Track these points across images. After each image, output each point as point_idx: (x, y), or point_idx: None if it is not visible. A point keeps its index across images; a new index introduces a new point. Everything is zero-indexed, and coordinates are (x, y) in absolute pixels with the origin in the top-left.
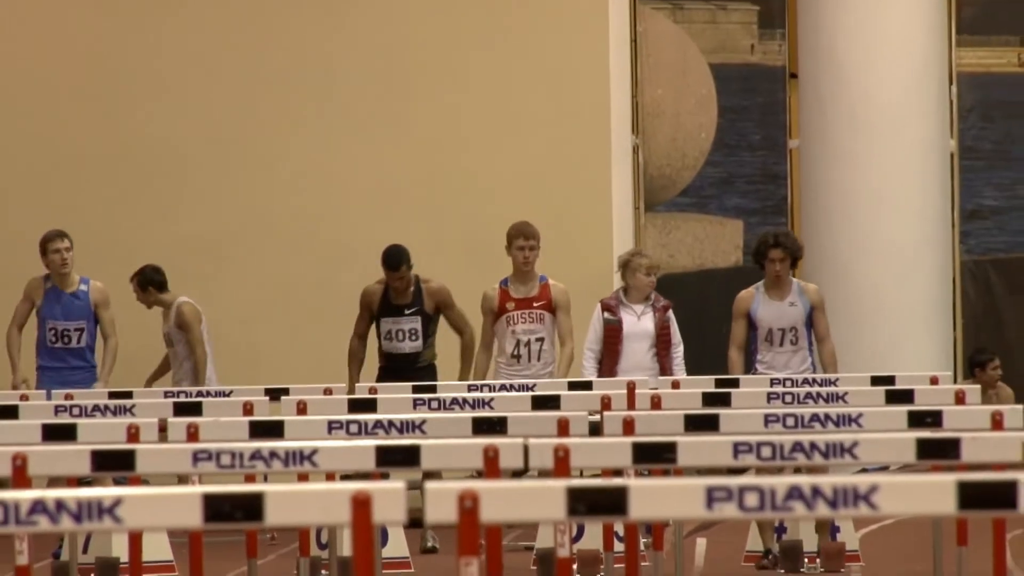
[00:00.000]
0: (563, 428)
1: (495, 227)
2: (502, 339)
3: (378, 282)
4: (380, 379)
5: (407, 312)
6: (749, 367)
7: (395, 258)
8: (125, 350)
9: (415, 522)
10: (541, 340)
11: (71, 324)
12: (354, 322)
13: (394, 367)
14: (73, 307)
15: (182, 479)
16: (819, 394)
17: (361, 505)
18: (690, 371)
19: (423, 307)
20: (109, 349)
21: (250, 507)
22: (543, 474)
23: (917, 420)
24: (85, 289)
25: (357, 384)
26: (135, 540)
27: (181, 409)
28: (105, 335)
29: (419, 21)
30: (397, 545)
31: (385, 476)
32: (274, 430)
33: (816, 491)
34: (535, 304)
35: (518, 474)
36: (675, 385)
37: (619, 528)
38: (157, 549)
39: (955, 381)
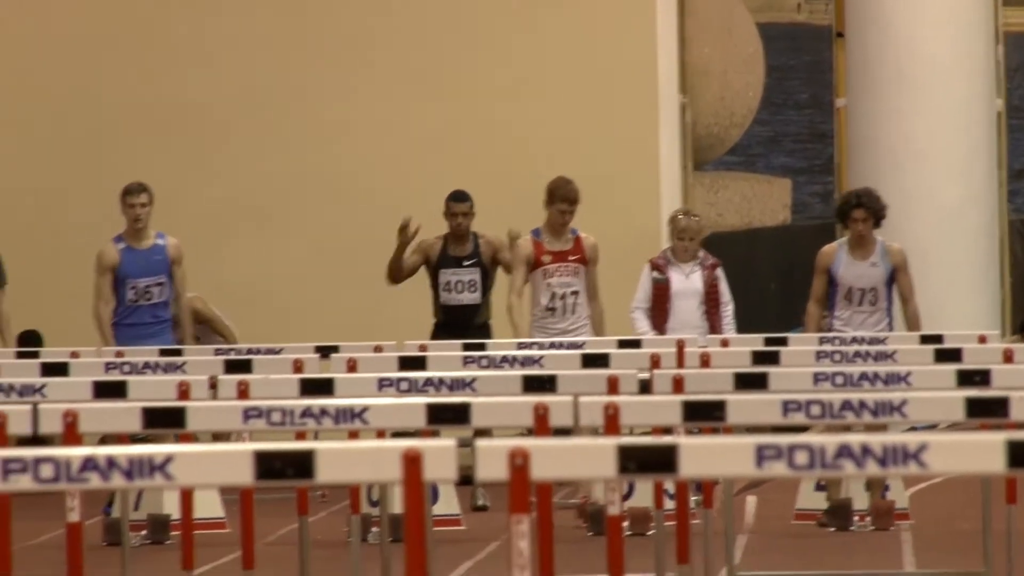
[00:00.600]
0: (613, 386)
1: (541, 186)
2: (537, 291)
3: (437, 237)
4: (435, 336)
5: (466, 263)
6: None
7: (462, 192)
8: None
9: (465, 480)
10: (576, 293)
11: (151, 280)
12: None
13: (452, 321)
14: (152, 263)
15: (227, 437)
16: (868, 352)
17: (412, 462)
18: (739, 330)
19: (481, 258)
20: (184, 307)
21: (301, 464)
22: (593, 432)
23: (965, 379)
24: (162, 244)
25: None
26: (186, 497)
27: (232, 366)
28: (179, 292)
29: None
30: (448, 502)
31: (435, 433)
32: (324, 387)
33: (866, 449)
34: (570, 257)
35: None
36: (724, 343)
37: (669, 486)
38: (208, 506)
39: (1003, 339)
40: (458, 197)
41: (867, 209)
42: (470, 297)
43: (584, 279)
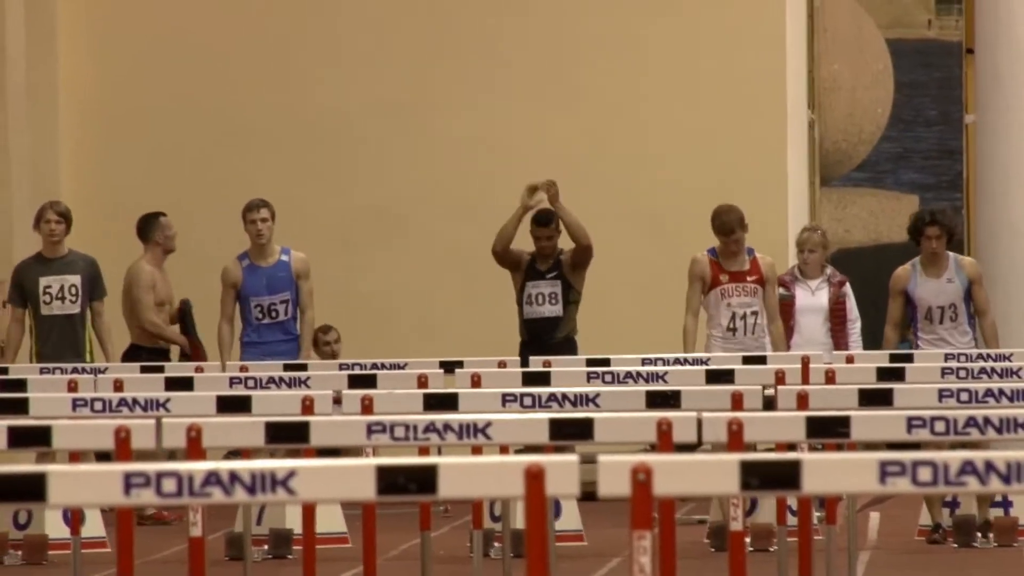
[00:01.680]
0: (737, 402)
1: (667, 199)
2: (716, 312)
3: (531, 252)
4: (521, 355)
5: (548, 276)
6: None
7: (547, 214)
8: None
9: (588, 495)
10: (756, 314)
11: (276, 298)
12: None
13: (534, 336)
14: (276, 280)
15: (355, 452)
16: (993, 369)
17: (534, 478)
18: (867, 346)
19: (562, 271)
20: (307, 322)
21: (424, 479)
22: (716, 448)
23: None
24: (286, 260)
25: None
26: (309, 512)
27: (356, 381)
28: (303, 307)
29: None
30: (570, 518)
31: (559, 450)
32: (448, 403)
33: (990, 466)
34: (749, 278)
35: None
36: (849, 359)
37: (792, 502)
38: (331, 521)
39: None
40: (541, 221)
41: (941, 226)
42: (551, 309)
43: (762, 299)
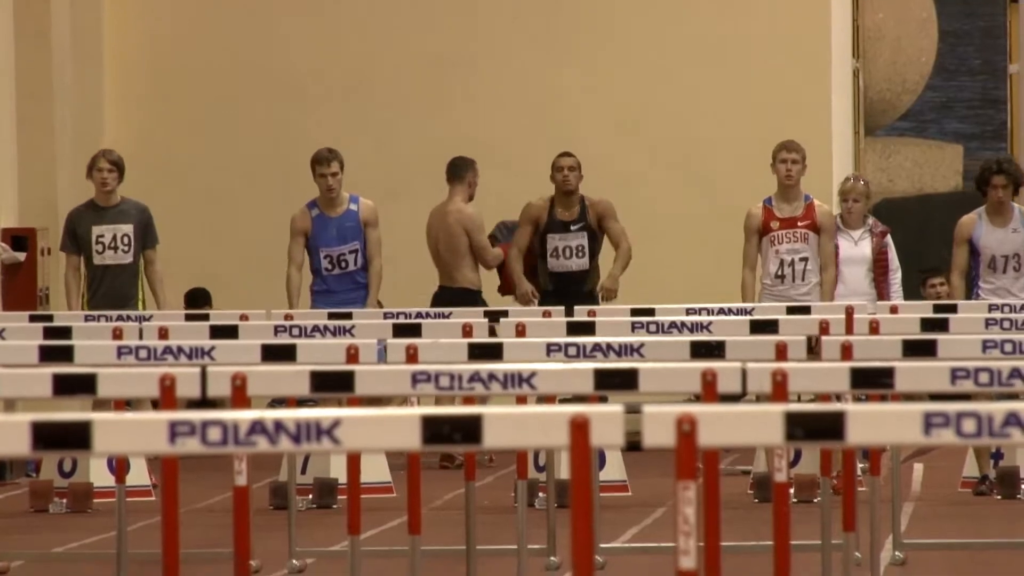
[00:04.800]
0: (781, 352)
1: (712, 150)
2: (765, 258)
3: (543, 199)
4: (544, 302)
5: (573, 228)
6: (970, 292)
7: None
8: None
9: (633, 446)
10: (805, 260)
11: (345, 248)
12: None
13: (560, 289)
14: (345, 230)
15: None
16: None
17: (579, 428)
18: (908, 296)
19: (588, 222)
20: (374, 271)
21: (468, 429)
22: (760, 399)
23: None
24: (355, 209)
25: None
26: (353, 461)
27: (400, 330)
28: (370, 256)
29: None
30: (615, 468)
31: (604, 399)
32: (493, 352)
33: None
34: (800, 224)
35: (736, 398)
36: (893, 310)
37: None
38: (376, 470)
39: None
40: (563, 153)
41: (1008, 176)
42: (578, 263)
43: (815, 246)
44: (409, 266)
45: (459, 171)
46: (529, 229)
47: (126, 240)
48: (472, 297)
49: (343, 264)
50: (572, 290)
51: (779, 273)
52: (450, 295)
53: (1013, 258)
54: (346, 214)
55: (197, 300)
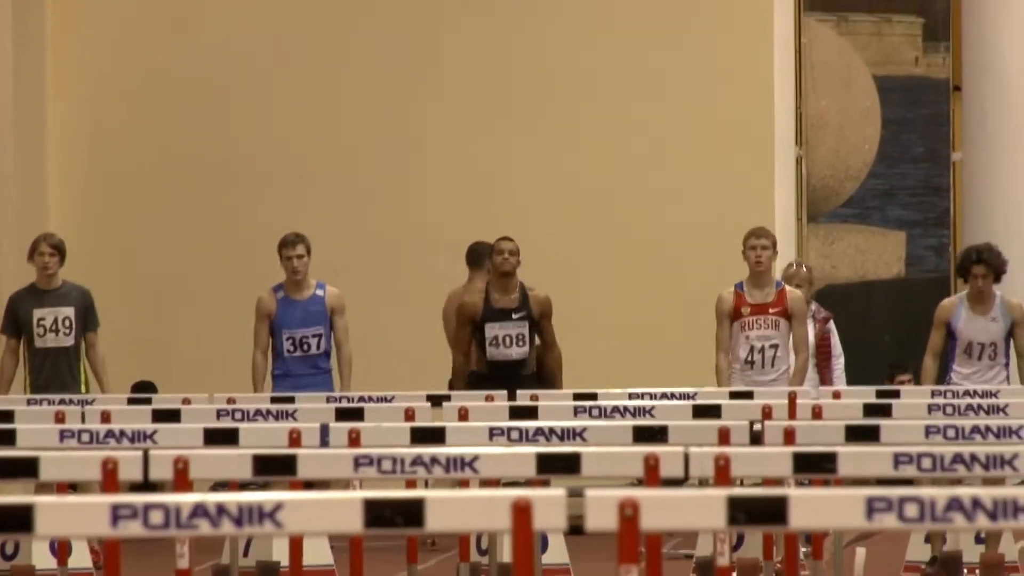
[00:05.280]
0: (724, 437)
1: (659, 235)
2: (735, 343)
3: (476, 292)
4: (481, 387)
5: (515, 316)
6: (943, 376)
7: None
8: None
9: (575, 529)
10: (776, 347)
11: (309, 331)
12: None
13: (500, 375)
14: (310, 314)
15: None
16: (980, 406)
17: (522, 512)
18: (852, 382)
19: (530, 311)
20: (344, 358)
21: (411, 513)
22: (703, 483)
23: None
24: (321, 294)
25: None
26: (296, 544)
27: (343, 414)
28: (339, 343)
29: (576, 24)
30: (557, 552)
31: (546, 483)
32: (435, 436)
33: (976, 503)
34: (771, 310)
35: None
36: (836, 395)
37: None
38: (318, 553)
39: None
40: (503, 237)
41: (987, 265)
42: (519, 352)
43: (786, 333)
44: (356, 347)
45: (479, 257)
46: (468, 330)
47: (67, 323)
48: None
49: (305, 347)
50: (512, 375)
51: (749, 359)
52: (479, 377)
53: (990, 346)
54: (312, 298)
55: (143, 392)
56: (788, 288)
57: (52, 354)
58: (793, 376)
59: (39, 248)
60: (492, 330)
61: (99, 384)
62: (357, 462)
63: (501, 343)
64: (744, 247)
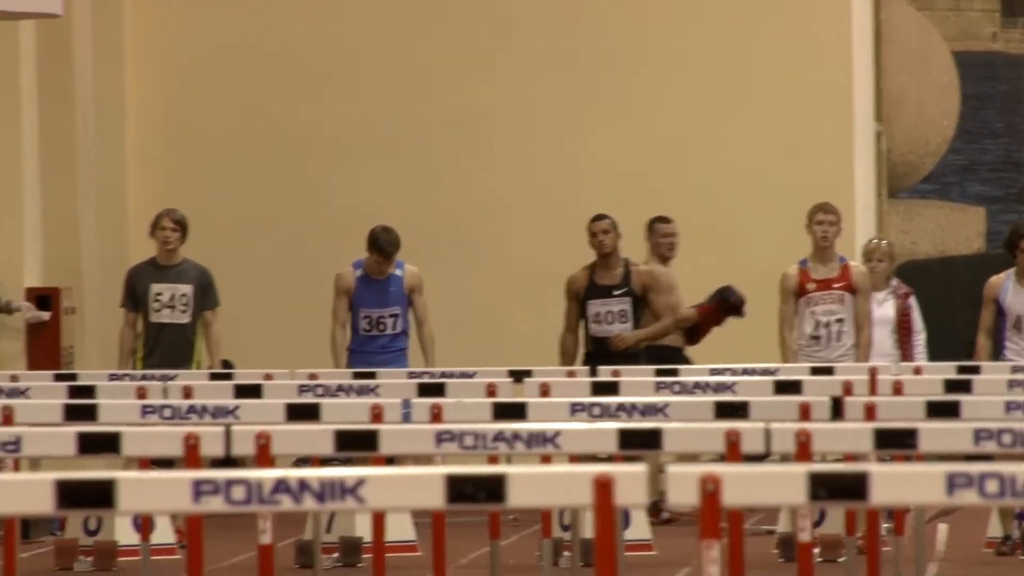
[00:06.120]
0: (805, 413)
1: (736, 214)
2: (801, 320)
3: (583, 268)
4: (586, 364)
5: (616, 293)
6: (998, 353)
7: (602, 214)
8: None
9: (656, 506)
10: (841, 321)
11: (386, 311)
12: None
13: (602, 352)
14: (388, 294)
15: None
16: None
17: (603, 487)
18: (932, 358)
19: (631, 287)
20: (426, 336)
21: (493, 488)
22: (784, 459)
23: None
24: (399, 274)
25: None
26: (378, 520)
27: (425, 390)
28: (419, 321)
29: (660, 7)
30: (639, 527)
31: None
32: (517, 412)
33: None
34: (835, 285)
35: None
36: (917, 371)
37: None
38: (400, 529)
39: None
40: (596, 217)
41: None
42: (621, 328)
43: (851, 307)
44: (438, 323)
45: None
46: (574, 305)
47: (184, 299)
48: (674, 355)
49: (381, 326)
50: (614, 353)
51: (815, 334)
52: (656, 353)
53: None
54: (391, 279)
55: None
56: (852, 263)
57: (166, 330)
58: (858, 352)
59: (161, 223)
60: (594, 307)
61: (212, 363)
62: (439, 438)
63: (603, 320)
64: (809, 222)
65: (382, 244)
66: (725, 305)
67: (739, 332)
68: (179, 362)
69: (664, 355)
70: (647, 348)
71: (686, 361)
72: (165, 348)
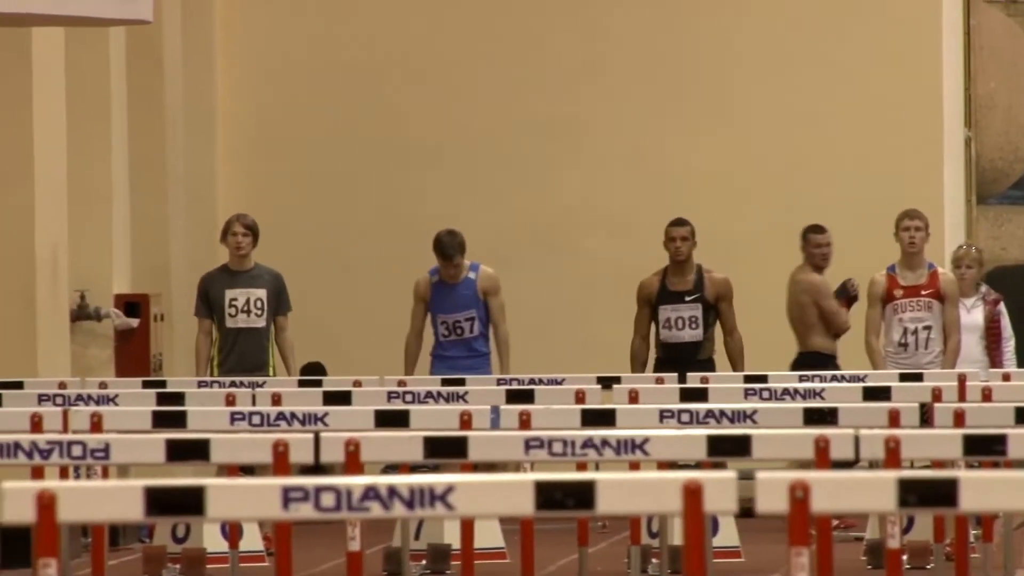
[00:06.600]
0: (894, 419)
1: (825, 218)
2: (889, 326)
3: (654, 273)
4: (657, 371)
5: (688, 299)
6: None
7: (682, 218)
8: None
9: (745, 511)
10: (929, 328)
11: (461, 315)
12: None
13: (672, 358)
14: (462, 297)
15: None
16: None
17: (692, 494)
18: (1021, 364)
19: (704, 295)
20: (501, 338)
21: (582, 495)
22: (873, 465)
23: None
24: (472, 277)
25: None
26: (467, 527)
27: (513, 396)
28: (495, 323)
29: (746, 8)
30: (728, 534)
31: (717, 465)
32: (606, 418)
33: None
34: (923, 292)
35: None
36: (1006, 377)
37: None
38: (489, 536)
39: None
40: (676, 222)
41: None
42: (691, 334)
43: (939, 315)
44: (526, 330)
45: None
46: (646, 311)
47: (259, 304)
48: (824, 361)
49: (459, 331)
50: (684, 359)
51: (902, 341)
52: (806, 359)
53: None
54: (464, 282)
55: (313, 375)
56: (940, 270)
57: (243, 335)
58: (945, 359)
59: (232, 228)
60: (665, 312)
61: (286, 368)
62: (528, 444)
63: (674, 325)
64: (897, 228)
65: (444, 246)
66: (848, 298)
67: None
68: (255, 367)
69: (815, 362)
70: (800, 354)
71: (836, 367)
72: (241, 353)
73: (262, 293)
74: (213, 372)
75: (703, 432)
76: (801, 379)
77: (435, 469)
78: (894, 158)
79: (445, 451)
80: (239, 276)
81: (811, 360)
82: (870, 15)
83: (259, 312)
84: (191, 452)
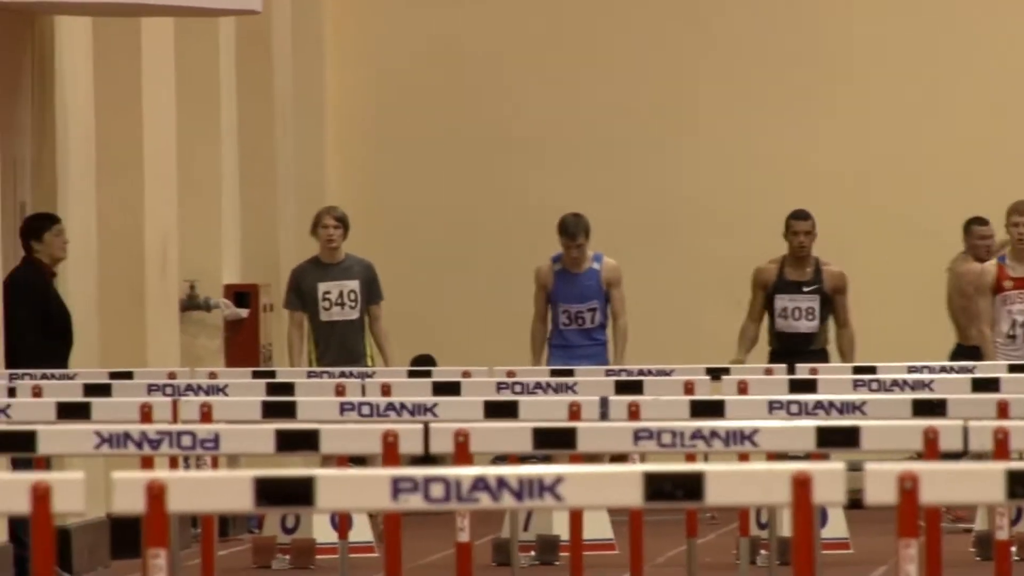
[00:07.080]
0: (1003, 410)
1: (937, 210)
2: (998, 317)
3: (771, 261)
4: (771, 362)
5: (805, 289)
6: None
7: (804, 210)
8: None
9: (854, 503)
10: None
11: (584, 306)
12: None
13: (787, 349)
14: (585, 288)
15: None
16: None
17: (801, 485)
18: None
19: (822, 286)
20: (620, 330)
21: (691, 486)
22: (981, 456)
23: None
24: (596, 268)
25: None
26: (576, 518)
27: (623, 387)
28: (615, 314)
29: (870, 5)
30: (837, 525)
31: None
32: (715, 409)
33: None
34: None
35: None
36: None
37: None
38: (597, 527)
39: None
40: (799, 215)
41: None
42: (807, 325)
43: None
44: (636, 321)
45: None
46: (760, 295)
47: (352, 296)
48: (979, 355)
49: (580, 321)
50: (799, 350)
51: (1011, 333)
52: (963, 352)
53: None
54: (588, 272)
55: (423, 365)
56: None
57: (338, 327)
58: None
59: (323, 221)
60: (782, 301)
61: (383, 357)
62: (637, 435)
63: (790, 315)
64: (1007, 222)
65: (568, 225)
66: None
67: (933, 329)
68: (353, 359)
69: (975, 357)
70: (958, 346)
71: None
72: (339, 345)
73: (355, 284)
74: (312, 366)
75: (812, 423)
76: (910, 370)
77: (545, 460)
78: (1013, 153)
79: (554, 442)
80: (331, 268)
81: (970, 355)
82: (993, 7)
83: (353, 304)
84: (301, 442)
